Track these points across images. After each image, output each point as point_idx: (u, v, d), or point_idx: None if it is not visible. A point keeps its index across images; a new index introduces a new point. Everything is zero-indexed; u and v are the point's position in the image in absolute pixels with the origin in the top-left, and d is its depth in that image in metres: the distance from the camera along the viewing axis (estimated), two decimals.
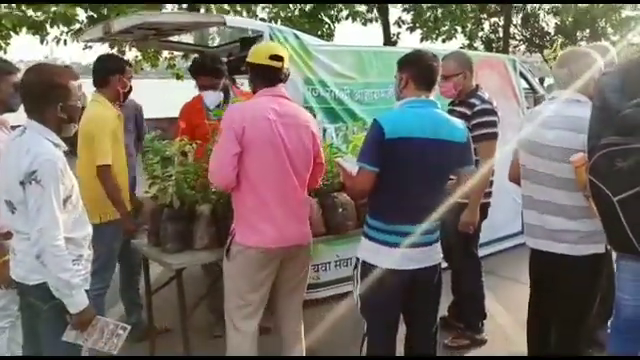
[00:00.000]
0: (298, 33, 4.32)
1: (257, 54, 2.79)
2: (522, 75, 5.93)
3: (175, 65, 11.85)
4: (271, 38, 4.03)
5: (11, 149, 2.36)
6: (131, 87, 3.75)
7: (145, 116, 4.88)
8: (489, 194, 3.73)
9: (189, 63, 11.29)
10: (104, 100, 3.58)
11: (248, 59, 2.82)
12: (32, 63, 3.10)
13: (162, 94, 17.25)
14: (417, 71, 2.66)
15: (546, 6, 19.08)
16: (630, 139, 2.06)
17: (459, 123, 2.70)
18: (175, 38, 5.16)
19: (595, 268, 2.71)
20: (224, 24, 3.81)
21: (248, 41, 4.66)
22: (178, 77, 12.05)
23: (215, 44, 5.61)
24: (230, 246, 2.76)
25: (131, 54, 11.68)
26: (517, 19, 19.34)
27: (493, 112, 3.54)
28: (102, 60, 3.72)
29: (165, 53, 11.27)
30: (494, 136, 3.49)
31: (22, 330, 2.69)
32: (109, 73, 3.57)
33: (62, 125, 2.44)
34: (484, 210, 3.71)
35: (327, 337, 3.82)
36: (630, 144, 2.05)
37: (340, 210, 3.24)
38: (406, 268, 2.61)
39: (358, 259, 2.71)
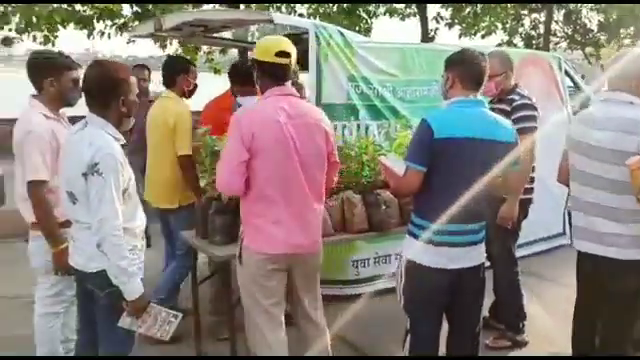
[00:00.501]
0: (343, 30, 4.35)
1: (263, 51, 2.65)
2: (567, 73, 5.84)
3: (213, 59, 12.01)
4: (317, 36, 4.07)
5: (73, 142, 2.46)
6: (196, 85, 3.95)
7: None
8: (530, 190, 3.71)
9: (226, 57, 11.44)
10: (175, 96, 3.85)
11: (254, 56, 2.72)
12: (73, 56, 3.22)
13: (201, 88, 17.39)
14: (464, 71, 2.66)
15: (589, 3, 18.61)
16: None
17: (507, 123, 2.71)
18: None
19: None
20: (271, 21, 3.86)
21: (290, 38, 4.72)
22: (216, 71, 12.21)
23: (254, 40, 5.67)
24: (241, 251, 2.74)
25: (172, 48, 11.90)
26: (559, 15, 18.90)
27: (532, 107, 3.53)
28: (169, 60, 3.97)
29: (204, 48, 11.42)
30: (533, 130, 3.48)
31: (77, 316, 2.82)
32: (175, 73, 3.82)
33: (122, 119, 2.54)
34: (524, 207, 3.69)
35: (367, 333, 3.89)
36: None
37: (383, 207, 3.27)
38: (450, 267, 2.63)
39: (402, 257, 2.74)
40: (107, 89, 2.48)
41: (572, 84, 6.14)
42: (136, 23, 9.96)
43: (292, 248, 2.66)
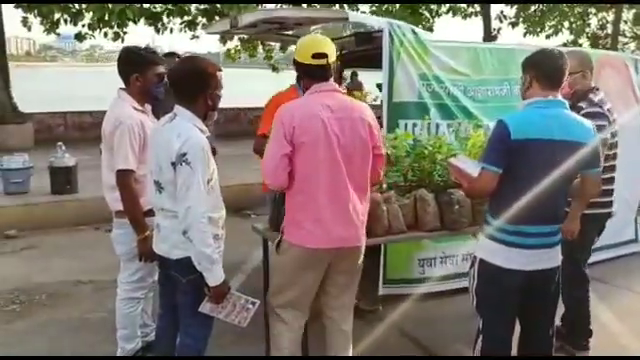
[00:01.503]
0: (415, 29, 4.35)
1: (301, 53, 2.72)
2: None
3: (272, 57, 12.18)
4: (390, 34, 4.09)
5: (162, 133, 2.57)
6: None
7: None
8: (607, 204, 3.50)
9: (285, 54, 11.53)
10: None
11: (294, 56, 2.78)
12: (127, 46, 3.34)
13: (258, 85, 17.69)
14: (541, 72, 2.63)
15: None
16: None
17: (587, 123, 2.66)
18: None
19: None
20: (346, 19, 3.90)
21: (363, 36, 4.76)
22: (274, 69, 12.38)
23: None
24: (280, 242, 2.80)
25: (232, 44, 12.15)
26: (628, 15, 18.21)
27: (601, 115, 3.31)
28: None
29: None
30: (602, 143, 3.20)
31: (160, 301, 2.94)
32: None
33: (208, 112, 2.65)
34: (599, 221, 3.52)
35: (435, 332, 3.89)
36: None
37: (456, 207, 3.26)
38: (525, 269, 2.62)
39: (476, 257, 2.73)
40: (196, 83, 2.58)
41: None
42: (203, 20, 10.23)
43: (332, 242, 2.68)
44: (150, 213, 2.90)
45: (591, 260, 4.84)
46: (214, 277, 2.53)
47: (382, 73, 4.14)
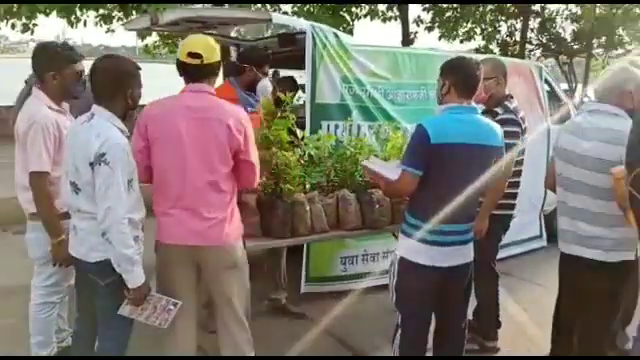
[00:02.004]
0: (338, 32, 4.45)
1: (180, 50, 2.71)
2: (547, 82, 6.03)
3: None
4: (313, 37, 4.16)
5: (79, 133, 2.51)
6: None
7: None
8: (512, 206, 3.73)
9: None
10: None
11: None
12: (43, 42, 3.20)
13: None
14: (460, 79, 2.79)
15: (564, 12, 19.10)
16: None
17: (497, 128, 2.85)
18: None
19: (624, 274, 2.85)
20: (270, 20, 3.94)
21: (286, 37, 4.81)
22: None
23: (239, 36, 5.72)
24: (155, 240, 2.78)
25: (150, 39, 11.85)
26: (534, 23, 19.33)
27: (514, 122, 3.51)
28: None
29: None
30: (512, 147, 3.42)
31: (76, 305, 2.86)
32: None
33: (127, 112, 2.61)
34: (505, 222, 3.74)
35: (355, 328, 4.00)
36: None
37: (377, 207, 3.38)
38: (442, 265, 2.77)
39: (396, 255, 2.86)
40: (115, 82, 2.54)
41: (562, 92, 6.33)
42: (120, 14, 9.91)
43: (183, 238, 2.66)
44: (65, 216, 2.81)
45: (501, 256, 5.15)
46: (134, 279, 2.49)
47: (305, 74, 4.21)
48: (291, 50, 4.73)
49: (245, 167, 2.76)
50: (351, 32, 13.90)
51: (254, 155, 2.78)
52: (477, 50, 17.35)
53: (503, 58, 6.75)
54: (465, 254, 2.87)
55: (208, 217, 2.66)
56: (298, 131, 3.55)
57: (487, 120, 2.87)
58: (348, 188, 3.45)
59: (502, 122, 3.39)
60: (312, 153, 3.52)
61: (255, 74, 3.96)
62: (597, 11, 18.38)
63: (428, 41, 18.87)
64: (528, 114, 5.56)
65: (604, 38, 19.10)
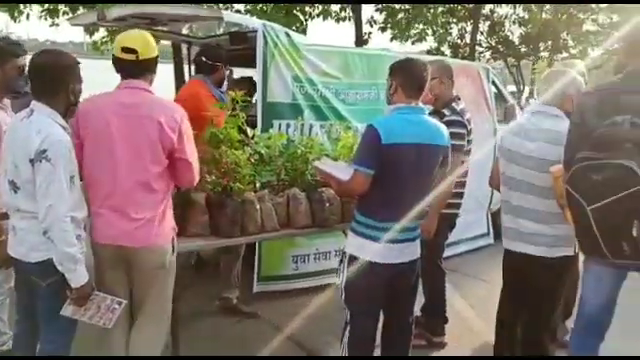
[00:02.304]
0: (289, 32, 4.45)
1: (115, 45, 2.66)
2: (494, 83, 6.20)
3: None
4: (264, 36, 4.15)
5: (18, 130, 2.43)
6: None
7: None
8: (458, 205, 3.82)
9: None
10: None
11: None
12: None
13: None
14: (407, 79, 2.84)
15: (512, 16, 19.70)
16: (604, 155, 2.30)
17: (443, 128, 2.93)
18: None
19: (564, 269, 2.97)
20: (221, 19, 3.92)
21: (238, 35, 4.79)
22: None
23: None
24: None
25: (99, 35, 11.58)
26: (484, 26, 19.85)
27: (461, 124, 3.57)
28: None
29: None
30: (459, 148, 3.50)
31: (17, 307, 2.77)
32: None
33: (69, 108, 2.55)
34: (451, 220, 3.83)
35: (305, 326, 4.01)
36: (604, 159, 2.29)
37: (327, 205, 3.40)
38: (392, 262, 2.82)
39: (345, 253, 2.89)
40: (56, 77, 2.48)
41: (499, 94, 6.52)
42: (66, 7, 9.63)
43: (110, 238, 2.61)
44: (4, 216, 2.72)
45: (449, 253, 5.28)
46: (77, 278, 2.44)
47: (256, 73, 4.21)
48: (243, 48, 4.70)
49: (181, 165, 2.69)
50: (304, 32, 13.92)
51: (191, 153, 2.71)
52: (429, 52, 17.65)
53: (451, 60, 6.90)
54: (413, 251, 2.93)
55: (136, 218, 2.59)
56: (249, 129, 3.54)
57: (434, 120, 2.94)
58: (299, 187, 3.46)
59: (449, 123, 3.47)
60: (263, 152, 3.51)
61: (224, 72, 4.03)
62: (543, 16, 19.06)
63: (381, 42, 19.08)
64: (475, 115, 5.70)
65: (550, 42, 19.80)
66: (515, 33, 20.46)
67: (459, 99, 3.73)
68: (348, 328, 2.93)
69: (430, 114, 3.71)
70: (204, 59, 4.03)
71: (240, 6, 12.78)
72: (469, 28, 18.83)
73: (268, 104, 4.22)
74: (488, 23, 19.85)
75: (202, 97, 3.84)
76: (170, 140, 2.60)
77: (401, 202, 2.81)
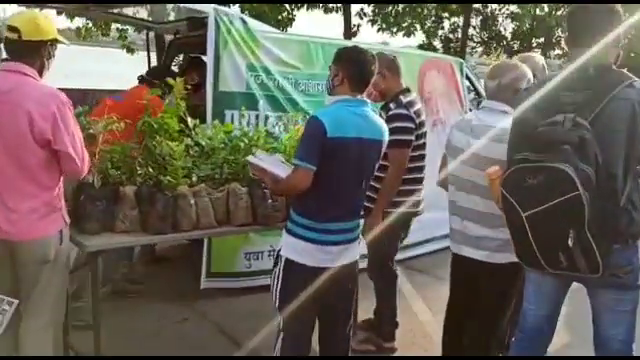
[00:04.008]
0: (246, 18, 4.27)
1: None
2: (467, 78, 6.02)
3: (126, 37, 11.50)
4: (216, 21, 3.96)
5: None
6: None
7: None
8: (414, 204, 3.57)
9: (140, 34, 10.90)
10: None
11: None
12: None
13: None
14: (357, 72, 2.66)
15: (505, 11, 19.44)
16: (542, 156, 2.11)
17: (381, 121, 2.79)
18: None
19: (511, 276, 2.78)
20: (171, 2, 3.74)
21: (197, 21, 4.58)
22: (129, 50, 11.73)
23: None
24: None
25: (81, 21, 11.36)
26: (476, 21, 19.61)
27: (406, 117, 3.37)
28: None
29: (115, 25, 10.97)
30: (405, 144, 3.34)
31: None
32: None
33: None
34: (405, 220, 3.59)
35: (246, 324, 3.83)
36: (541, 162, 2.10)
37: (269, 201, 3.22)
38: (331, 265, 2.65)
39: (280, 257, 2.71)
40: None
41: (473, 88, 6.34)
42: None
43: None
44: None
45: (419, 252, 5.14)
46: None
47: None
48: (200, 35, 4.50)
49: (62, 157, 2.49)
50: (292, 21, 13.70)
51: (72, 143, 2.49)
52: (420, 46, 17.46)
53: (423, 53, 6.74)
54: (352, 253, 2.77)
55: (15, 209, 2.44)
56: (189, 119, 3.35)
57: (373, 113, 2.78)
58: (241, 182, 3.26)
59: (393, 117, 3.31)
60: (203, 143, 3.33)
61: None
62: (537, 11, 18.83)
63: (370, 35, 18.84)
64: (447, 107, 5.58)
65: (542, 38, 19.59)
66: (508, 28, 20.24)
67: (408, 91, 3.53)
68: (281, 336, 2.75)
69: (381, 109, 3.56)
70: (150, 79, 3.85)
71: None
72: (461, 22, 18.63)
73: (220, 93, 4.03)
74: (480, 18, 19.60)
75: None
76: (42, 130, 2.40)
77: (341, 200, 2.66)
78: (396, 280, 3.71)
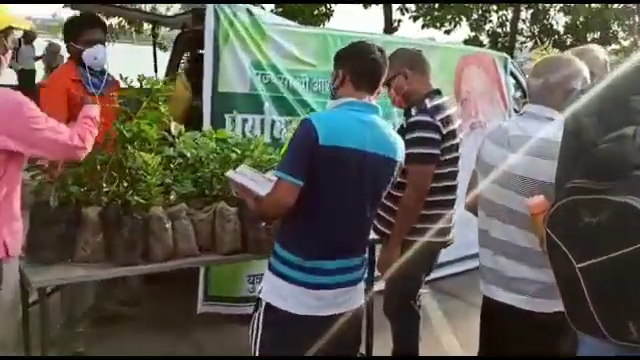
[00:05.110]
0: (254, 9, 3.74)
1: None
2: (512, 75, 5.33)
3: (158, 34, 11.28)
4: (216, 12, 3.48)
5: None
6: None
7: None
8: (442, 231, 2.87)
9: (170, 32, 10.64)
10: None
11: None
12: None
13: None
14: (357, 68, 2.17)
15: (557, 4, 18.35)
16: (604, 185, 1.48)
17: (397, 136, 2.23)
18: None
19: (556, 330, 2.16)
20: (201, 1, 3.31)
21: (200, 13, 4.09)
22: (161, 47, 11.48)
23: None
24: None
25: (115, 19, 11.29)
26: (526, 14, 18.62)
27: (430, 126, 2.70)
28: None
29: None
30: (427, 159, 2.69)
31: None
32: None
33: None
34: (431, 250, 2.91)
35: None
36: (603, 193, 1.48)
37: (263, 224, 2.69)
38: (322, 314, 2.12)
39: (261, 300, 2.18)
40: None
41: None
42: None
43: None
44: None
45: (444, 273, 4.51)
46: None
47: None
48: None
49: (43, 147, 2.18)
50: (329, 17, 13.24)
51: (44, 138, 2.16)
52: (466, 41, 16.73)
53: (461, 47, 6.08)
54: (355, 298, 2.23)
55: None
56: (173, 126, 2.86)
57: (386, 124, 2.21)
58: (230, 201, 2.74)
59: (414, 125, 2.71)
60: (188, 154, 2.83)
61: None
62: (592, 5, 17.69)
63: (411, 30, 18.18)
64: (487, 109, 4.92)
65: (598, 33, 18.41)
66: (560, 22, 19.12)
67: (438, 93, 2.87)
68: None
69: (403, 116, 2.97)
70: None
71: None
72: (510, 16, 17.72)
73: (219, 95, 3.52)
74: (531, 11, 18.57)
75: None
76: None
77: (337, 230, 2.12)
78: (418, 321, 3.06)
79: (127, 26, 12.23)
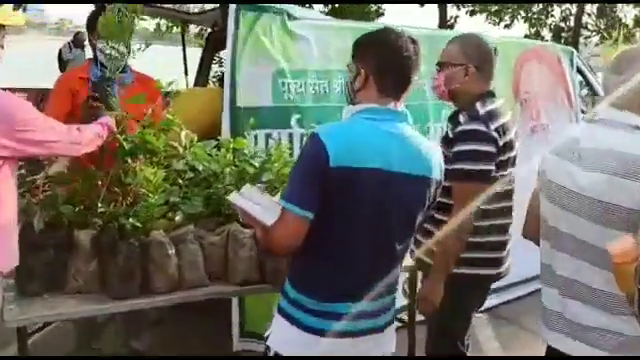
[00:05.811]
0: (280, 7, 3.34)
1: None
2: (580, 71, 4.75)
3: (203, 35, 11.23)
4: (236, 14, 3.11)
5: None
6: None
7: None
8: (492, 262, 2.42)
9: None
10: None
11: None
12: None
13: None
14: (382, 63, 1.74)
15: None
16: None
17: (434, 149, 1.81)
18: None
19: None
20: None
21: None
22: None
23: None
24: None
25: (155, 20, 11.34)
26: (592, 8, 17.61)
27: (485, 137, 2.23)
28: None
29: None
30: (478, 176, 2.21)
31: None
32: None
33: None
34: (480, 285, 2.49)
35: None
36: None
37: None
38: None
39: (269, 348, 1.82)
40: None
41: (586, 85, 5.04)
42: None
43: None
44: None
45: (499, 300, 4.01)
46: None
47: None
48: None
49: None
50: (381, 15, 12.86)
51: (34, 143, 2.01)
52: (526, 37, 15.96)
53: (522, 40, 5.53)
54: (381, 345, 1.85)
55: None
56: (183, 134, 2.52)
57: (417, 134, 1.79)
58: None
59: (464, 136, 2.22)
60: (200, 168, 2.49)
61: None
62: None
63: (468, 27, 17.52)
64: (551, 110, 4.38)
65: None
66: (629, 15, 17.96)
67: (493, 96, 2.37)
68: None
69: (449, 120, 2.51)
70: None
71: None
72: (574, 10, 16.80)
73: (237, 109, 3.11)
74: (597, 5, 17.54)
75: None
76: None
77: (358, 270, 1.74)
78: None
79: (163, 29, 12.20)
